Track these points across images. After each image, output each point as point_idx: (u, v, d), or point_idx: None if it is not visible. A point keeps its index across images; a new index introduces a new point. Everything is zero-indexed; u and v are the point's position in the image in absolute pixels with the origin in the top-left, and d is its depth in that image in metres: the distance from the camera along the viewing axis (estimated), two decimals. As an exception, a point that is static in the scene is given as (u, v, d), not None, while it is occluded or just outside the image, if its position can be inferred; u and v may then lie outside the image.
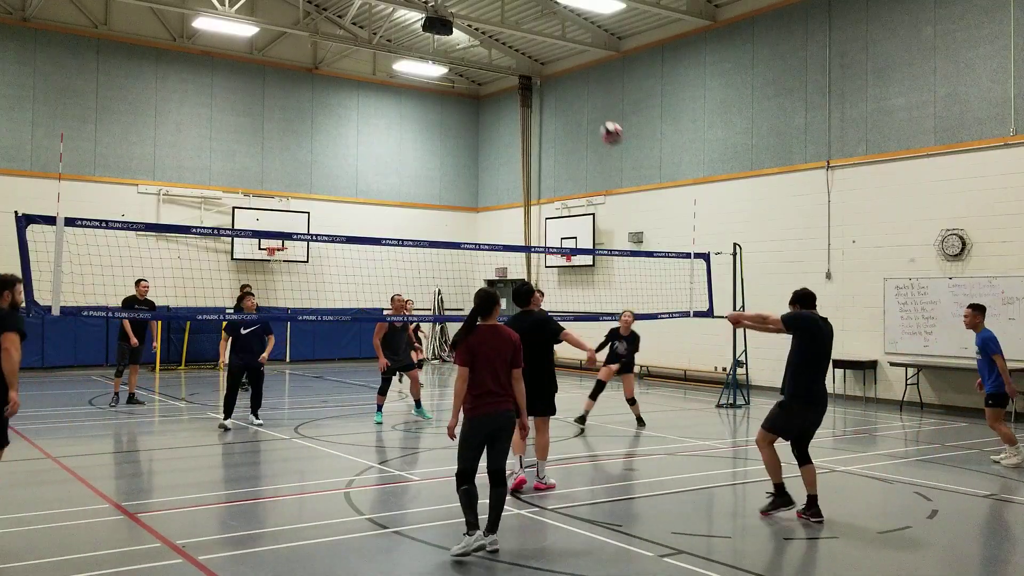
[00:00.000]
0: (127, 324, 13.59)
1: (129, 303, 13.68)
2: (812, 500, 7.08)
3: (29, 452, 9.83)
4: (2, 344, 6.19)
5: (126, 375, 13.95)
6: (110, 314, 12.31)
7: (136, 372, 14.08)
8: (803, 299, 7.44)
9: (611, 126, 12.12)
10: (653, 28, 20.17)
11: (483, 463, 6.16)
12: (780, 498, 7.16)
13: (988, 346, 9.71)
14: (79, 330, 19.24)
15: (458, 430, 6.14)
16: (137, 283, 14.05)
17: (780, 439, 7.29)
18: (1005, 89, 14.03)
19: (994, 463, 9.77)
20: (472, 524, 5.94)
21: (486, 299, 6.27)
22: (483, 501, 6.11)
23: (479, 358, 6.06)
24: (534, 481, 8.04)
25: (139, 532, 6.56)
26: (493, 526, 6.08)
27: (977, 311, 9.93)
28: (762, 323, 7.46)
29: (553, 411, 8.23)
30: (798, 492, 7.24)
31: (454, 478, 6.10)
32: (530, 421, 7.63)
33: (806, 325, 7.22)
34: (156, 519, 6.92)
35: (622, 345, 12.63)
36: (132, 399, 13.83)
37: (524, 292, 8.12)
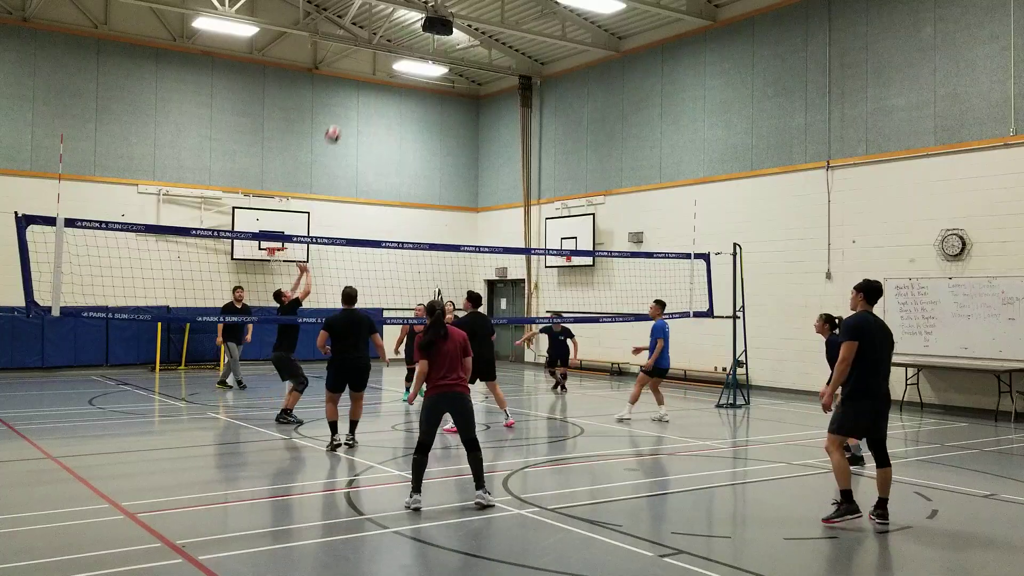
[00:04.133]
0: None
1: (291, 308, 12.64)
2: (882, 502, 7.00)
3: (29, 452, 9.83)
4: None
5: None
6: (110, 314, 12.30)
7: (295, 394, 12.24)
8: (868, 291, 7.37)
9: (330, 129, 15.38)
10: (653, 28, 20.17)
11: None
12: (847, 504, 6.92)
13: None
14: (79, 330, 19.24)
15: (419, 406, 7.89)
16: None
17: (852, 440, 7.21)
18: (1005, 89, 14.03)
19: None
20: (417, 488, 7.31)
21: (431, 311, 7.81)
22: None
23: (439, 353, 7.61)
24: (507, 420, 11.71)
25: (139, 532, 6.55)
26: (481, 481, 7.41)
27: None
28: (843, 371, 7.03)
29: (493, 377, 12.00)
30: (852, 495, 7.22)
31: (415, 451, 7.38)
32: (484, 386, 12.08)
33: (856, 336, 7.05)
34: (156, 519, 6.92)
35: None
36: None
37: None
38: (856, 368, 6.99)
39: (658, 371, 12.84)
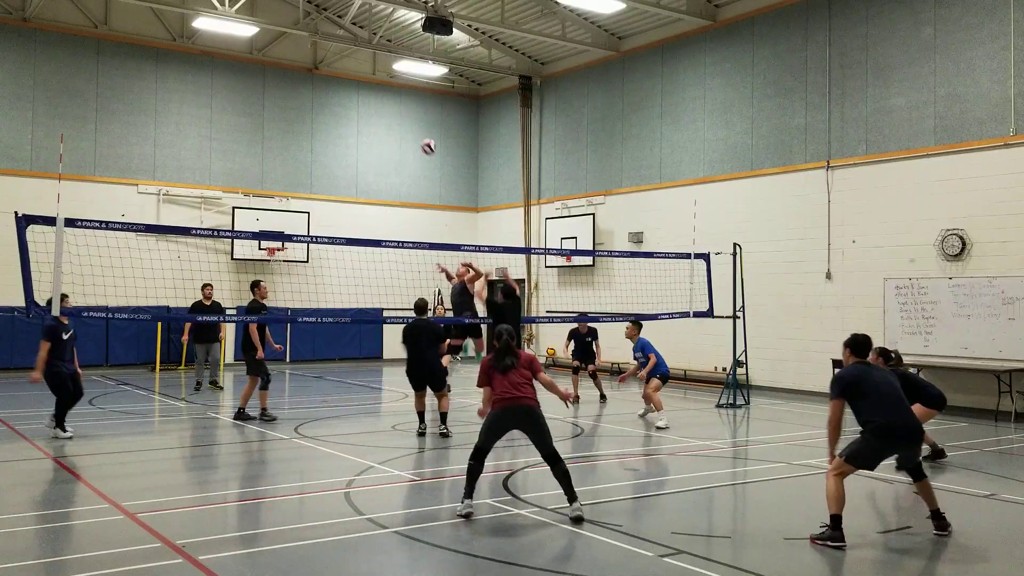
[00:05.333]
0: (254, 333, 12.14)
1: (255, 309, 12.58)
2: (936, 514, 6.85)
3: (29, 452, 9.83)
4: None
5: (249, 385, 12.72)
6: (110, 314, 12.29)
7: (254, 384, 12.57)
8: (855, 347, 6.98)
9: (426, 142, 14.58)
10: (653, 28, 20.17)
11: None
12: (833, 531, 6.45)
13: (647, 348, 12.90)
14: (79, 330, 19.05)
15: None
16: (254, 286, 12.83)
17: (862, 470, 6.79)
18: (1005, 89, 14.03)
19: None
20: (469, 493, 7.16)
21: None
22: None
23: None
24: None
25: (139, 532, 6.55)
26: (571, 495, 7.12)
27: (636, 326, 13.08)
28: (831, 433, 6.80)
29: (440, 387, 11.48)
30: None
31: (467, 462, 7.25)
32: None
33: (839, 394, 6.79)
34: (156, 519, 6.92)
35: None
36: (265, 415, 12.38)
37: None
38: (863, 414, 6.72)
39: (663, 377, 12.87)
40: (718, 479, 9.08)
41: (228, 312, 18.18)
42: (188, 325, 16.16)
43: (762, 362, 16.71)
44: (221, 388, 16.26)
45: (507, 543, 6.35)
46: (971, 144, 14.42)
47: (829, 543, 6.42)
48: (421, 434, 11.21)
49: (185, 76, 21.30)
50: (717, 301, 15.15)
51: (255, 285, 12.84)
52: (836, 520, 6.48)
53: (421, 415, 11.45)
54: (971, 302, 14.15)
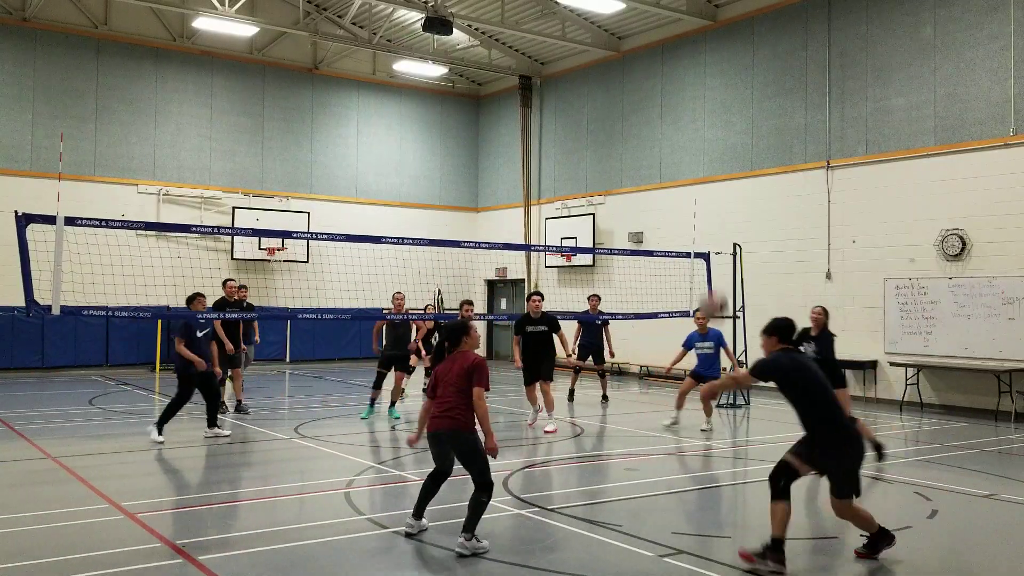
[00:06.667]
0: (219, 328, 12.37)
1: (221, 305, 12.86)
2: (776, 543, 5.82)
3: (29, 452, 9.82)
4: None
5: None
6: (110, 313, 12.28)
7: (239, 378, 13.08)
8: (780, 331, 6.16)
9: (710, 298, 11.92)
10: (653, 28, 20.17)
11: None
12: (774, 554, 5.75)
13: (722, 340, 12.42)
14: (79, 330, 19.25)
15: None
16: (224, 283, 13.20)
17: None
18: (1005, 89, 14.03)
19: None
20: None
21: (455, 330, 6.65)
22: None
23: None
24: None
25: (139, 532, 6.55)
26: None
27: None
28: (736, 384, 6.37)
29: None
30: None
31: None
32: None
33: (771, 373, 6.04)
34: (156, 519, 6.92)
35: (810, 347, 9.61)
36: (239, 408, 12.91)
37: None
38: (804, 417, 5.97)
39: (698, 376, 12.52)
40: (718, 479, 9.08)
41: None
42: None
43: (762, 362, 16.69)
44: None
45: (507, 543, 6.35)
46: (971, 144, 14.42)
47: (770, 566, 5.69)
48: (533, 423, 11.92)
49: (185, 76, 21.30)
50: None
51: (223, 284, 13.34)
52: (777, 544, 5.79)
53: (533, 400, 12.06)
54: (971, 302, 14.15)
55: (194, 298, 11.09)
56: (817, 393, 5.94)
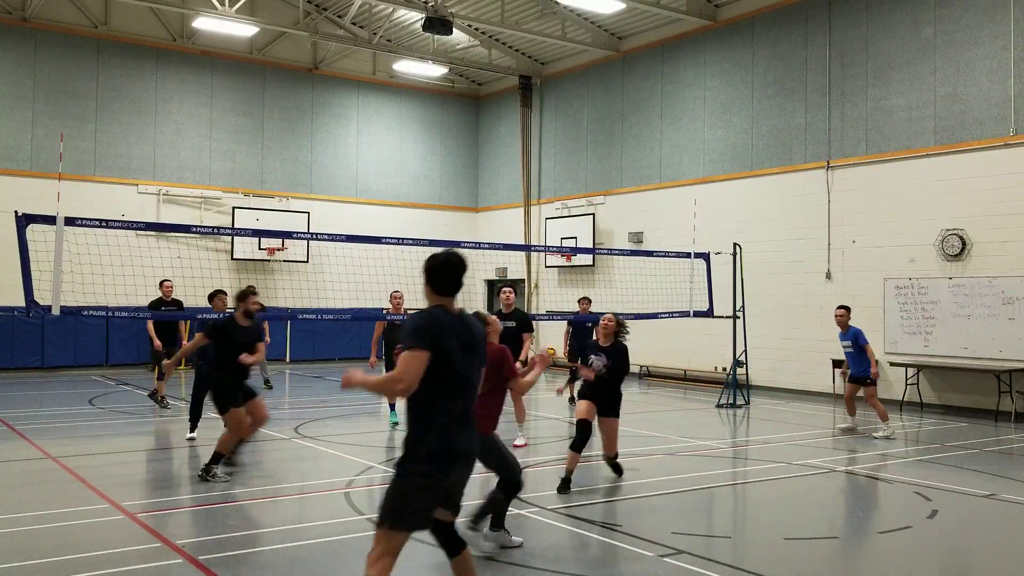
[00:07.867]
0: (151, 327, 13.56)
1: (156, 305, 13.79)
2: None
3: (29, 452, 9.83)
4: None
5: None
6: (110, 313, 12.29)
7: (171, 372, 13.44)
8: (436, 272, 4.31)
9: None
10: (653, 28, 20.17)
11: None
12: None
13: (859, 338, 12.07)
14: (79, 330, 19.25)
15: None
16: (161, 284, 14.13)
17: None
18: (1005, 89, 14.03)
19: (874, 439, 11.50)
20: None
21: None
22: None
23: None
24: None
25: (139, 532, 6.55)
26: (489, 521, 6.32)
27: (847, 311, 12.20)
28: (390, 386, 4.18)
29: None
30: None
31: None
32: None
33: (418, 341, 4.14)
34: (156, 519, 6.92)
35: (599, 360, 8.53)
36: (153, 397, 13.64)
37: None
38: (424, 405, 4.27)
39: (858, 379, 12.04)
40: (718, 479, 9.08)
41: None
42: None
43: (762, 362, 16.70)
44: (272, 387, 16.47)
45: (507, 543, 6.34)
46: (971, 144, 14.42)
47: None
48: None
49: (185, 76, 21.30)
50: (717, 301, 15.14)
51: (160, 284, 14.22)
52: None
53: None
54: (971, 302, 14.15)
55: (214, 296, 11.21)
56: None
